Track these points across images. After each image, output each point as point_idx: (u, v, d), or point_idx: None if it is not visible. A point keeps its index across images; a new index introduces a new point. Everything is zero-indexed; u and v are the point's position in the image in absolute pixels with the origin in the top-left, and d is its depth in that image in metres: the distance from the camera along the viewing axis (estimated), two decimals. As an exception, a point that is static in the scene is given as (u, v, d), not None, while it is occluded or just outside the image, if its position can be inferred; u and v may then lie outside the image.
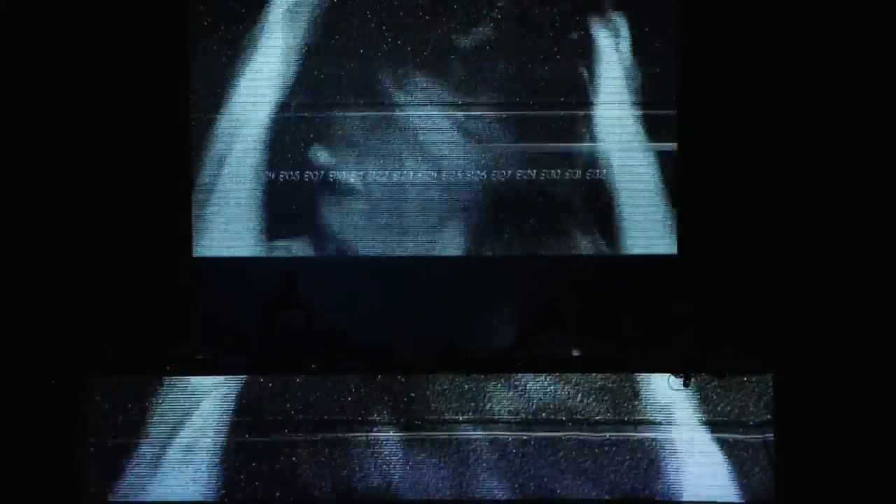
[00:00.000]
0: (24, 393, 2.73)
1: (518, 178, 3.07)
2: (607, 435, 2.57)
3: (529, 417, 2.59)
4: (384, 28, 3.05)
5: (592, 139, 3.07)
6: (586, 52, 3.06)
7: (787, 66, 2.99)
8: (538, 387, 2.61)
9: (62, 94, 2.95)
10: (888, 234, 2.88)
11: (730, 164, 3.06)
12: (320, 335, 2.96)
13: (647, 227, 3.08)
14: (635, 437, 2.55)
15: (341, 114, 3.09)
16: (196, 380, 2.59)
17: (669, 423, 2.54)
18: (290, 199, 3.06)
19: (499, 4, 3.04)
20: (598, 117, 3.03)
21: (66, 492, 2.63)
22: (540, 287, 3.00)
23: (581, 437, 2.58)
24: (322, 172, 3.06)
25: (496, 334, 2.94)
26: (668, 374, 2.60)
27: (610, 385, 2.58)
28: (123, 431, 2.67)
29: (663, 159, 3.09)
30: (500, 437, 2.58)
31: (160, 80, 3.02)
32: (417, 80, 3.06)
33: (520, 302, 2.95)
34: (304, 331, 2.94)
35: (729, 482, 2.56)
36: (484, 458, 2.59)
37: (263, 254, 3.06)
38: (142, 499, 2.67)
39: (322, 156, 3.07)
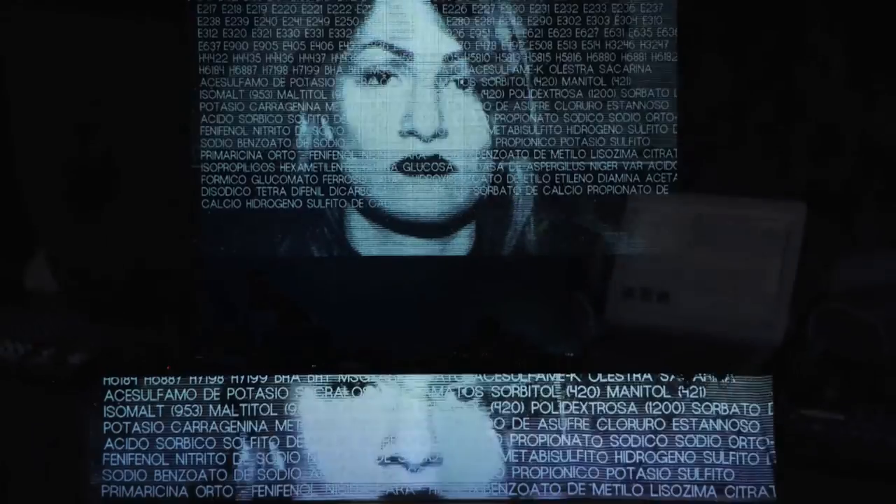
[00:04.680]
0: (23, 392, 2.75)
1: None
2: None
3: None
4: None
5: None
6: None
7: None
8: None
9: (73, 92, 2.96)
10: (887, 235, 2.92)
11: (728, 165, 3.09)
12: (312, 335, 2.97)
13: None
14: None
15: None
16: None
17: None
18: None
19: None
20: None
21: (65, 491, 2.64)
22: (539, 287, 3.01)
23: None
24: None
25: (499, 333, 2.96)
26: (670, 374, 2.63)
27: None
28: (122, 430, 2.68)
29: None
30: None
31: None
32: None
33: (521, 301, 2.97)
34: (283, 332, 2.93)
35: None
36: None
37: (266, 253, 3.05)
38: (139, 498, 2.69)
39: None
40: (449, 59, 2.87)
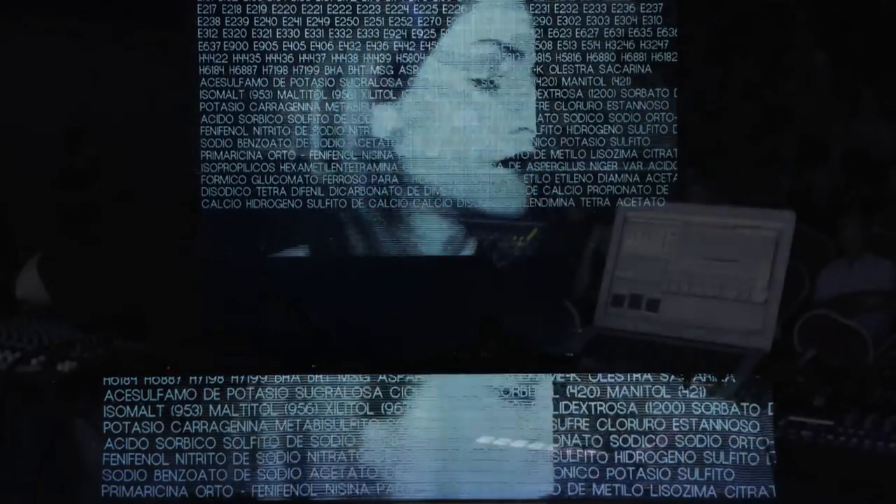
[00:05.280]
0: (23, 392, 2.72)
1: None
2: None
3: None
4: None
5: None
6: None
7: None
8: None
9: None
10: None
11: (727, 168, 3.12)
12: (313, 335, 2.93)
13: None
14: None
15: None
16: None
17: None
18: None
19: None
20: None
21: (65, 491, 2.60)
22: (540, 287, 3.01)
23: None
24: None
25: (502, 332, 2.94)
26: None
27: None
28: (122, 430, 2.63)
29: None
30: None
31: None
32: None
33: (522, 301, 2.96)
34: (284, 331, 2.90)
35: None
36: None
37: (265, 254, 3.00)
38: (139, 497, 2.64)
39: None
40: (541, 60, 2.83)
